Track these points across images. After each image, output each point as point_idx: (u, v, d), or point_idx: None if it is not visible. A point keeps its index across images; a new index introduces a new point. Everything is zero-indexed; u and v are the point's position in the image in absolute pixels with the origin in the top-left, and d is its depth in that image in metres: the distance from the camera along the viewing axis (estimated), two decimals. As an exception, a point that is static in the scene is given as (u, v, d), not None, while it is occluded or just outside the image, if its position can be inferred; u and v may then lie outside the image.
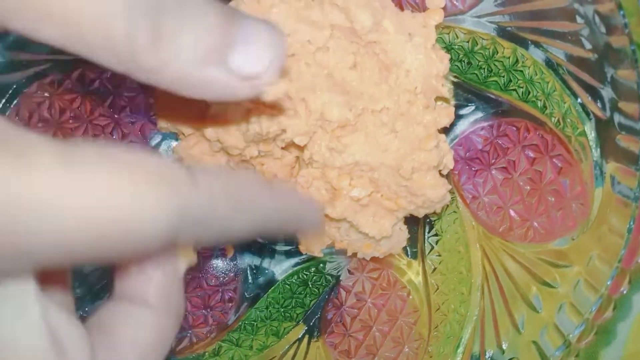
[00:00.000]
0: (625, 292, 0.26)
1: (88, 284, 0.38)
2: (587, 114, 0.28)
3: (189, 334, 0.40)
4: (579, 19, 0.26)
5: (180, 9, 0.16)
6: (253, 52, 0.17)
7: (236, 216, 0.17)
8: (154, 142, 0.40)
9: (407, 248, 0.40)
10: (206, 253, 0.42)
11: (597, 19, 0.24)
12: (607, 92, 0.26)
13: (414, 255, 0.40)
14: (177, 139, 0.40)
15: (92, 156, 0.14)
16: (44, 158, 0.13)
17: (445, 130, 0.32)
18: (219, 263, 0.42)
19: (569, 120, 0.29)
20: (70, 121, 0.37)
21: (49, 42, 0.16)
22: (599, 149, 0.28)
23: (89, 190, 0.14)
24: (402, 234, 0.37)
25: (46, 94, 0.35)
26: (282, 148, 0.34)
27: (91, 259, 0.15)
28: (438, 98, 0.32)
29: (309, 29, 0.29)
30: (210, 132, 0.32)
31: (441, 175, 0.33)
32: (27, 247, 0.13)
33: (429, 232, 0.39)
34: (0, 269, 0.14)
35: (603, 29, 0.24)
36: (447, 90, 0.30)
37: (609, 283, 0.26)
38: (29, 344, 0.15)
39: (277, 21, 0.29)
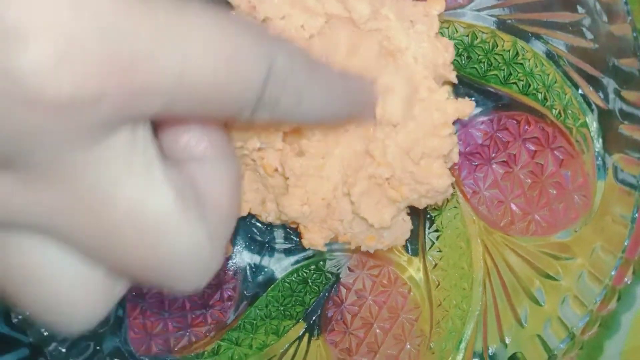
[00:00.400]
0: (629, 282, 0.26)
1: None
2: (589, 104, 0.28)
3: (187, 333, 0.40)
4: (580, 9, 0.26)
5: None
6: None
7: (312, 80, 0.19)
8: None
9: (408, 244, 0.39)
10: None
11: (598, 7, 0.24)
12: (609, 82, 0.26)
13: (415, 252, 0.40)
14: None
15: (199, 12, 0.16)
16: (160, 5, 0.15)
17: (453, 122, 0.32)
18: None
19: (570, 111, 0.29)
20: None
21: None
22: (601, 140, 0.28)
23: (200, 31, 0.15)
24: (406, 225, 0.36)
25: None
26: (283, 140, 0.34)
27: (201, 106, 0.16)
28: (445, 82, 0.32)
29: (303, 15, 0.29)
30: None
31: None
32: (150, 84, 0.14)
33: (429, 228, 0.39)
34: (125, 112, 0.15)
35: (605, 18, 0.24)
36: (454, 76, 0.31)
37: (612, 274, 0.26)
38: (157, 203, 0.17)
39: (271, 6, 0.30)
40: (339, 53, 0.31)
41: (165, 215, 0.17)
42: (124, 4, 0.14)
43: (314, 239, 0.37)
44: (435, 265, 0.39)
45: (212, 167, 0.19)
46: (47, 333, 0.33)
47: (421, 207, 0.35)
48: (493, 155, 0.36)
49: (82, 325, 0.18)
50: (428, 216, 0.39)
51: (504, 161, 0.35)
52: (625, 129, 0.25)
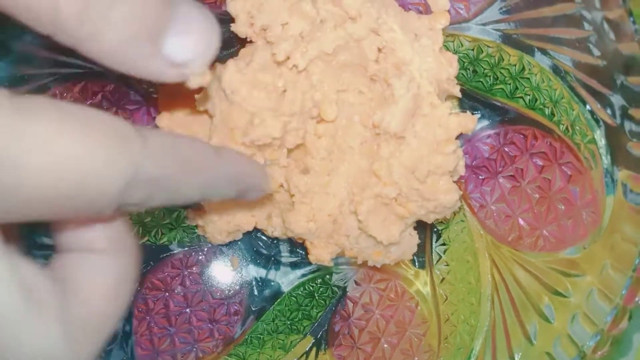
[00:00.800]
0: (640, 301, 0.26)
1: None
2: (597, 121, 0.28)
3: (194, 349, 0.40)
4: (586, 26, 0.26)
5: None
6: (187, 41, 0.17)
7: (185, 177, 0.17)
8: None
9: (415, 258, 0.39)
10: (210, 263, 0.41)
11: (605, 25, 0.24)
12: (616, 99, 0.25)
13: (422, 265, 0.39)
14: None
15: (47, 107, 0.14)
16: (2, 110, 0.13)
17: (457, 136, 0.32)
18: (224, 275, 0.42)
19: (577, 127, 0.29)
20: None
21: None
22: (609, 156, 0.27)
23: (42, 137, 0.14)
24: (413, 239, 0.36)
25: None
26: (288, 156, 0.34)
27: (46, 213, 0.15)
28: (449, 97, 0.32)
29: (301, 22, 0.29)
30: (215, 142, 0.32)
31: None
32: None
33: (436, 242, 0.39)
34: None
35: (612, 36, 0.24)
36: (458, 90, 0.31)
37: (623, 292, 0.26)
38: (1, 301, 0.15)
39: (270, 15, 0.30)
40: (328, 53, 0.31)
41: (10, 318, 0.15)
42: None
43: (320, 254, 0.37)
44: (443, 279, 0.38)
45: (96, 261, 0.17)
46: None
47: (430, 222, 0.35)
48: (500, 169, 0.35)
49: None
50: (435, 230, 0.39)
51: (511, 175, 0.35)
52: (634, 146, 0.25)
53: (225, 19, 0.33)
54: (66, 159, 0.14)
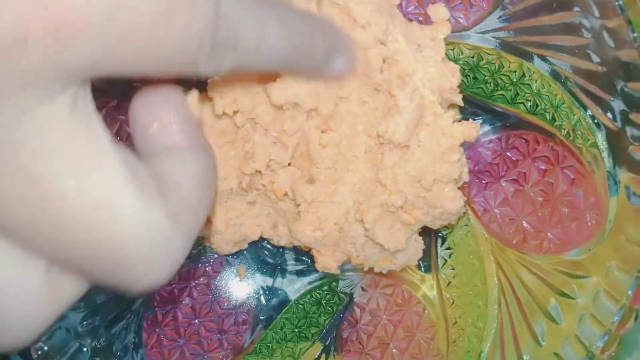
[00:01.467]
0: (646, 301, 0.26)
1: (102, 312, 0.37)
2: (598, 125, 0.28)
3: (204, 359, 0.40)
4: (585, 34, 0.26)
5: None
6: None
7: (269, 18, 0.18)
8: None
9: (420, 262, 0.39)
10: (217, 274, 0.42)
11: (605, 33, 0.25)
12: (617, 104, 0.26)
13: (427, 269, 0.40)
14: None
15: None
16: None
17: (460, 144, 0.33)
18: (231, 285, 0.42)
19: (579, 132, 0.30)
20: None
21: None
22: (611, 159, 0.28)
23: None
24: (418, 245, 0.37)
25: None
26: (293, 164, 0.34)
27: (143, 54, 0.14)
28: (452, 105, 0.33)
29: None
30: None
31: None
32: (77, 24, 0.13)
33: (441, 246, 0.39)
34: (57, 58, 0.13)
35: (612, 43, 0.25)
36: (460, 99, 0.31)
37: (629, 293, 0.26)
38: (104, 177, 0.15)
39: None
40: None
41: (115, 191, 0.15)
42: None
43: (327, 262, 0.37)
44: (449, 283, 0.39)
45: (180, 157, 0.18)
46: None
47: (435, 227, 0.35)
48: (502, 173, 0.36)
49: (24, 337, 0.15)
50: (440, 234, 0.39)
51: (514, 179, 0.35)
52: (635, 150, 0.25)
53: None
54: None
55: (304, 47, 0.20)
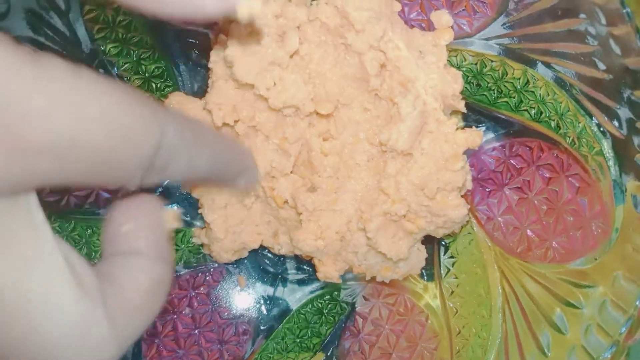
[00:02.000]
0: (654, 312, 0.26)
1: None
2: (603, 133, 0.28)
3: (204, 371, 0.39)
4: (591, 41, 0.26)
5: None
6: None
7: (198, 146, 0.19)
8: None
9: (423, 271, 0.39)
10: (217, 283, 0.41)
11: (611, 41, 0.24)
12: (624, 112, 0.26)
13: (430, 278, 0.39)
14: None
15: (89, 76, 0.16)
16: (56, 70, 0.14)
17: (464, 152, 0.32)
18: (231, 295, 0.41)
19: (584, 139, 0.29)
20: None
21: None
22: (617, 168, 0.27)
23: (97, 96, 0.15)
24: (421, 254, 0.36)
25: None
26: (295, 172, 0.34)
27: (91, 170, 0.15)
28: (454, 112, 0.33)
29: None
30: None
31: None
32: (41, 144, 0.14)
33: (444, 255, 0.39)
34: (13, 172, 0.14)
35: (618, 51, 0.24)
36: (463, 106, 0.31)
37: (637, 303, 0.26)
38: (46, 271, 0.15)
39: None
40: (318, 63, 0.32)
41: (51, 289, 0.15)
42: (15, 67, 0.14)
43: (329, 272, 0.37)
44: (452, 292, 0.38)
45: (137, 263, 0.19)
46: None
47: (438, 236, 0.35)
48: (506, 181, 0.35)
49: None
50: (443, 243, 0.39)
51: (517, 187, 0.35)
52: (643, 159, 0.25)
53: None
54: (116, 117, 0.15)
55: (221, 170, 0.23)
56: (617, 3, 0.22)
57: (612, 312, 0.28)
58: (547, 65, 0.30)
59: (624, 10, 0.22)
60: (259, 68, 0.31)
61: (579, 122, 0.29)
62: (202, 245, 0.39)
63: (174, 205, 0.40)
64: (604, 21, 0.24)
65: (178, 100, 0.35)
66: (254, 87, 0.31)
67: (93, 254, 0.37)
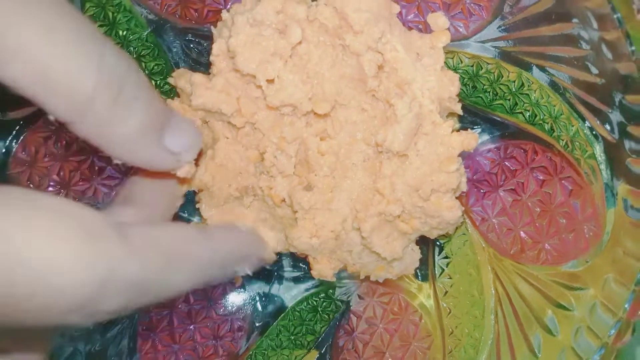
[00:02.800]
0: (643, 315, 0.26)
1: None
2: (596, 136, 0.28)
3: (199, 366, 0.40)
4: (584, 45, 0.26)
5: (138, 87, 0.19)
6: (181, 137, 0.23)
7: (173, 272, 0.17)
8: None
9: (417, 271, 0.39)
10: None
11: (603, 45, 0.25)
12: (615, 116, 0.26)
13: (425, 278, 0.40)
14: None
15: (13, 198, 0.14)
16: None
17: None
18: (227, 291, 0.42)
19: (577, 143, 0.29)
20: (76, 154, 0.37)
21: (6, 81, 0.16)
22: (609, 171, 0.28)
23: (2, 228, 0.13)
24: (415, 254, 0.36)
25: (52, 128, 0.35)
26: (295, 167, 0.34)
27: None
28: (451, 114, 0.33)
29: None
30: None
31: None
32: None
33: (438, 255, 0.39)
34: None
35: (610, 56, 0.25)
36: (459, 108, 0.31)
37: (626, 306, 0.26)
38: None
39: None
40: (316, 65, 0.32)
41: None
42: None
43: (323, 270, 0.37)
44: (446, 292, 0.38)
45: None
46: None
47: (432, 237, 0.35)
48: (501, 182, 0.36)
49: None
50: (437, 243, 0.39)
51: (512, 189, 0.35)
52: (633, 162, 0.25)
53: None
54: (23, 252, 0.14)
55: (209, 279, 0.21)
56: (608, 8, 0.22)
57: (602, 314, 0.28)
58: (542, 68, 0.30)
59: (615, 16, 0.22)
60: (260, 59, 0.31)
61: (572, 126, 0.29)
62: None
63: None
64: (595, 26, 0.24)
65: (184, 75, 0.34)
66: (255, 79, 0.32)
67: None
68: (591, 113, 0.28)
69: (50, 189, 0.36)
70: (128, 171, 0.41)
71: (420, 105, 0.31)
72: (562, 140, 0.30)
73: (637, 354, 0.35)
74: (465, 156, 0.37)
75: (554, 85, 0.30)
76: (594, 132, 0.28)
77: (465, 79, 0.35)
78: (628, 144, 0.25)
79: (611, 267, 0.28)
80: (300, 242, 0.35)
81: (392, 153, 0.33)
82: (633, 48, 0.23)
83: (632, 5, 0.22)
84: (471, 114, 0.36)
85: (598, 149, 0.28)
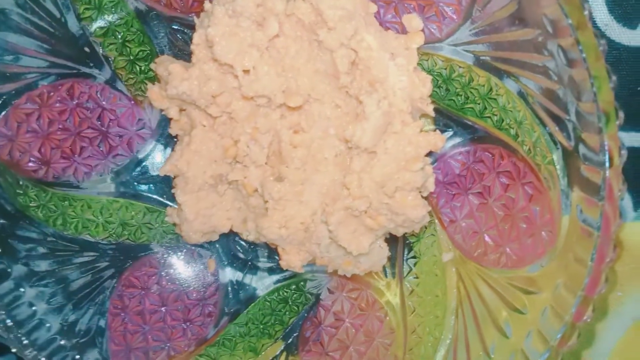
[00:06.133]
0: (589, 320, 0.26)
1: (70, 290, 0.38)
2: (555, 143, 0.29)
3: (167, 347, 0.41)
4: (545, 52, 0.27)
5: None
6: None
7: None
8: (140, 155, 0.41)
9: (386, 269, 0.40)
10: (188, 265, 0.42)
11: (560, 52, 0.25)
12: (571, 124, 0.26)
13: (393, 276, 0.40)
14: (166, 148, 0.40)
15: None
16: None
17: (427, 154, 0.33)
18: (200, 277, 0.42)
19: (538, 148, 0.30)
20: (59, 132, 0.38)
21: None
22: (566, 178, 0.28)
23: None
24: (383, 251, 0.37)
25: (35, 106, 0.36)
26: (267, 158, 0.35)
27: None
28: (423, 115, 0.33)
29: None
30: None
31: (422, 197, 0.34)
32: None
33: (407, 254, 0.40)
34: None
35: (565, 62, 0.25)
36: (431, 109, 0.32)
37: (573, 311, 0.26)
38: None
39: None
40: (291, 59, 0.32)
41: None
42: None
43: (291, 261, 0.38)
44: (412, 291, 0.39)
45: None
46: (26, 341, 0.34)
47: (399, 235, 0.36)
48: (469, 185, 0.36)
49: None
50: (407, 242, 0.39)
51: (479, 192, 0.35)
52: (586, 169, 0.26)
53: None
54: None
55: None
56: (560, 14, 0.23)
57: (551, 318, 0.28)
58: (508, 74, 0.30)
59: (568, 22, 0.23)
60: (238, 50, 0.32)
61: (534, 131, 0.30)
62: (174, 224, 0.40)
63: (150, 185, 0.42)
64: (552, 32, 0.25)
65: (164, 62, 0.35)
66: (232, 69, 0.33)
67: (68, 224, 0.38)
68: (551, 119, 0.28)
69: (31, 164, 0.37)
70: (109, 152, 0.42)
71: (390, 104, 0.32)
72: (526, 145, 0.31)
73: (582, 358, 0.35)
74: (437, 158, 0.37)
75: (519, 92, 0.30)
76: (553, 139, 0.28)
77: (439, 82, 0.35)
78: (582, 151, 0.26)
79: (563, 272, 0.28)
80: (269, 232, 0.36)
81: (361, 149, 0.33)
82: (584, 55, 0.23)
83: (583, 12, 0.22)
84: (444, 117, 0.36)
85: (556, 156, 0.28)
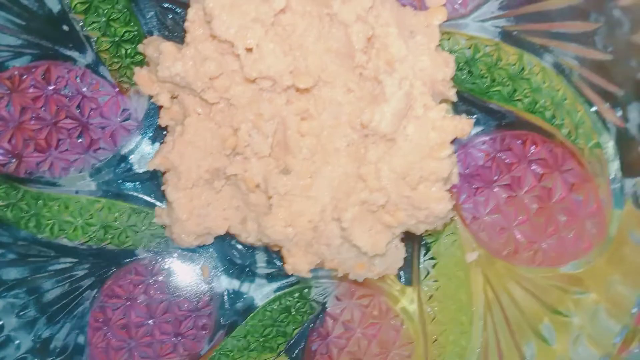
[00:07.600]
0: (652, 322, 0.23)
1: (44, 302, 0.34)
2: (604, 122, 0.26)
3: (155, 366, 0.36)
4: (594, 17, 0.24)
5: None
6: None
7: None
8: (125, 150, 0.37)
9: (401, 273, 0.37)
10: (178, 271, 0.38)
11: (618, 15, 0.22)
12: (629, 97, 0.23)
13: (408, 281, 0.37)
14: (154, 142, 0.37)
15: None
16: None
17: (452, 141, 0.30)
18: (193, 285, 0.39)
19: (581, 130, 0.27)
20: (32, 122, 0.33)
21: None
22: (618, 162, 0.25)
23: None
24: (399, 252, 0.34)
25: (5, 90, 0.32)
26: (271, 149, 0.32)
27: None
28: (444, 100, 0.30)
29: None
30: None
31: (445, 190, 0.31)
32: None
33: (424, 256, 0.36)
34: None
35: (627, 26, 0.22)
36: (453, 93, 0.29)
37: (634, 311, 0.23)
38: None
39: None
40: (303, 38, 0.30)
41: None
42: None
43: (298, 264, 0.34)
44: (431, 296, 0.36)
45: None
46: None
47: (419, 232, 0.32)
48: (495, 177, 0.33)
49: None
50: (423, 242, 0.36)
51: (507, 184, 0.33)
52: (647, 149, 0.23)
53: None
54: None
55: None
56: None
57: (605, 320, 0.25)
58: (546, 48, 0.28)
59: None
60: (239, 24, 0.29)
61: (577, 112, 0.27)
62: (163, 226, 0.36)
63: (136, 183, 0.38)
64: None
65: (154, 42, 0.32)
66: (233, 47, 0.29)
67: (42, 227, 0.34)
68: (599, 96, 0.25)
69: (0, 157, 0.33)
70: (90, 146, 0.38)
71: (410, 85, 0.29)
72: (565, 128, 0.28)
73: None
74: (458, 147, 0.34)
75: (558, 67, 0.27)
76: (601, 118, 0.26)
77: (461, 64, 0.32)
78: (641, 129, 0.23)
79: (617, 268, 0.25)
80: (273, 231, 0.32)
81: (379, 137, 0.30)
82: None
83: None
84: (466, 102, 0.33)
85: (605, 137, 0.25)
